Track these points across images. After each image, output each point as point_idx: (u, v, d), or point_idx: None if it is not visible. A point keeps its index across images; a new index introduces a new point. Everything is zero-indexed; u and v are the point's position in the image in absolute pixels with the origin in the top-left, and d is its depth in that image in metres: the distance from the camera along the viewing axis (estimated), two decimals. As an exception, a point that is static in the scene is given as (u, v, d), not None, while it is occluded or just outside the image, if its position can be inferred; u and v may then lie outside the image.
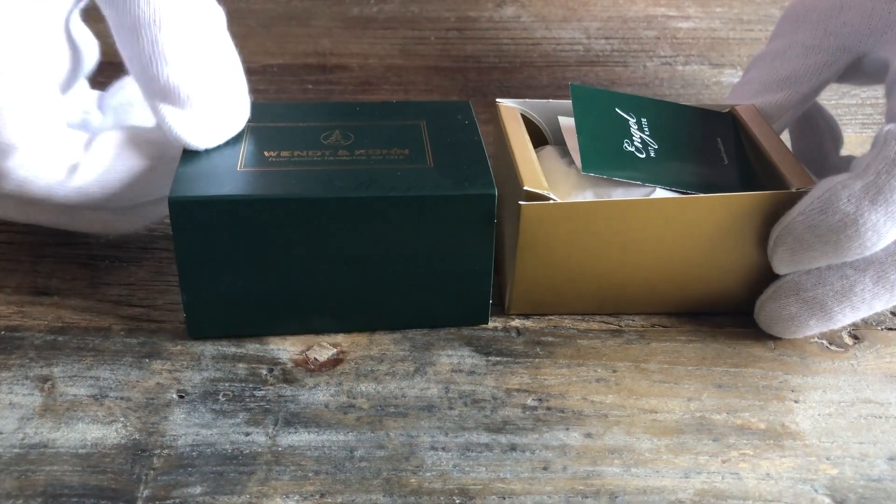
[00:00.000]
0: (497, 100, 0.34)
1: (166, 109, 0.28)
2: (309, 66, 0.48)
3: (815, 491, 0.25)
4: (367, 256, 0.29)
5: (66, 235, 0.34)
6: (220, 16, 0.30)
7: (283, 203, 0.27)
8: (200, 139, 0.29)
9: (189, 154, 0.29)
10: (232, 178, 0.28)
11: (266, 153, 0.30)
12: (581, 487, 0.25)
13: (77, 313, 0.31)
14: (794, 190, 0.28)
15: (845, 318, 0.28)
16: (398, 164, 0.29)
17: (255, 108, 0.33)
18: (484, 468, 0.25)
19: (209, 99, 0.29)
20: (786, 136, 0.36)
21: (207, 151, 0.29)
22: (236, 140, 0.30)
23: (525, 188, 0.28)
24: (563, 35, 0.53)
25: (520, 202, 0.28)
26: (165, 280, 0.32)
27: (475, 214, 0.29)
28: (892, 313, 0.32)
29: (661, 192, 0.29)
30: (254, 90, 0.47)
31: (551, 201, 0.28)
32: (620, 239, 0.29)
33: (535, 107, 0.34)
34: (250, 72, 0.49)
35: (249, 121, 0.31)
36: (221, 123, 0.29)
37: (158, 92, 0.28)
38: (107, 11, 0.29)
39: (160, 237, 0.35)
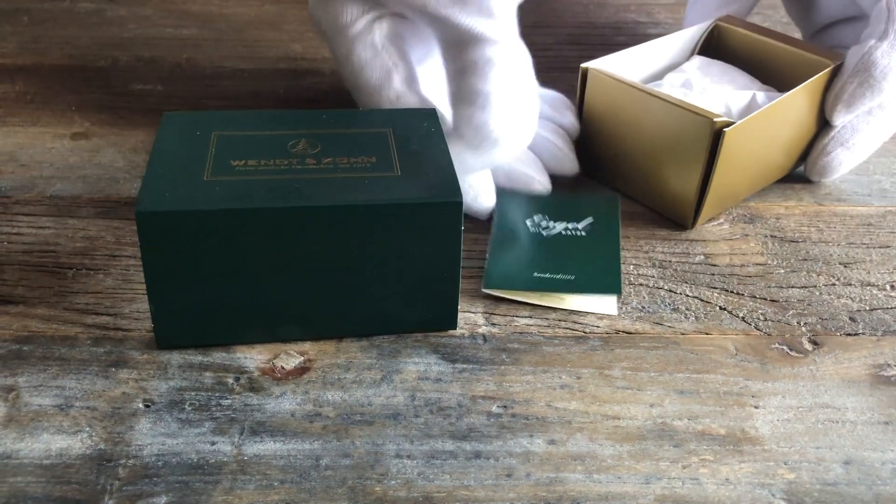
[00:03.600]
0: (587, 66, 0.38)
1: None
2: (280, 71, 0.48)
3: (773, 496, 0.26)
4: (334, 264, 0.29)
5: (32, 244, 0.34)
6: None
7: (251, 213, 0.27)
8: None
9: (156, 163, 0.29)
10: (199, 188, 0.28)
11: (233, 162, 0.30)
12: (544, 494, 0.25)
13: (43, 322, 0.31)
14: (837, 64, 0.37)
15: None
16: (365, 172, 0.30)
17: (223, 116, 0.33)
18: (448, 476, 0.26)
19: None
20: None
21: (175, 161, 0.30)
22: (203, 149, 0.30)
23: (715, 119, 0.33)
24: (534, 41, 0.53)
25: (724, 129, 0.33)
26: (132, 288, 0.32)
27: (442, 222, 0.29)
28: (851, 318, 0.32)
29: (760, 95, 0.37)
30: (224, 95, 0.48)
31: (738, 123, 0.34)
32: (776, 138, 0.37)
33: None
34: (220, 76, 0.50)
35: (216, 129, 0.32)
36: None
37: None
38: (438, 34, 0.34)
39: (127, 244, 0.34)
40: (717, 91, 0.37)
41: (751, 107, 0.37)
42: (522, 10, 0.58)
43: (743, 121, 0.34)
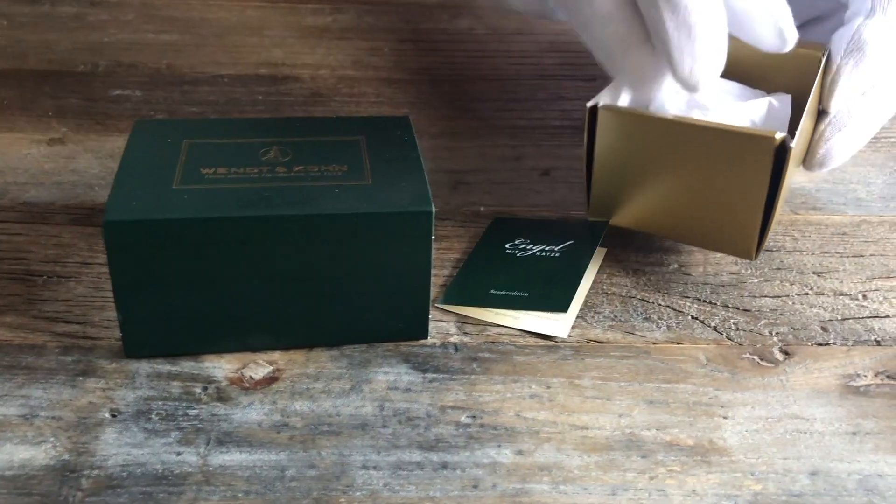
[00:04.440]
0: (600, 106, 0.33)
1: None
2: (260, 77, 0.48)
3: (739, 506, 0.26)
4: (304, 273, 0.29)
5: (3, 251, 0.34)
6: None
7: (218, 222, 0.27)
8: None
9: (125, 172, 0.29)
10: (168, 196, 0.28)
11: (203, 170, 0.29)
12: (510, 505, 0.25)
13: (11, 331, 0.30)
14: (823, 53, 0.35)
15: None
16: (336, 180, 0.29)
17: (195, 124, 0.33)
18: (414, 487, 0.26)
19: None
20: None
21: (144, 169, 0.29)
22: (173, 157, 0.30)
23: (776, 136, 0.30)
24: (516, 48, 0.53)
25: (790, 144, 0.30)
26: (103, 296, 0.32)
27: (412, 231, 0.29)
28: (823, 328, 0.32)
29: (774, 102, 0.35)
30: (202, 101, 0.48)
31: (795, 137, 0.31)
32: (802, 143, 0.34)
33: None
34: (199, 82, 0.49)
35: (187, 137, 0.31)
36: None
37: None
38: None
39: (100, 251, 0.34)
40: (734, 106, 0.35)
41: (771, 114, 0.35)
42: (505, 18, 0.59)
43: (798, 133, 0.31)
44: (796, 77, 0.36)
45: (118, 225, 0.27)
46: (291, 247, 0.28)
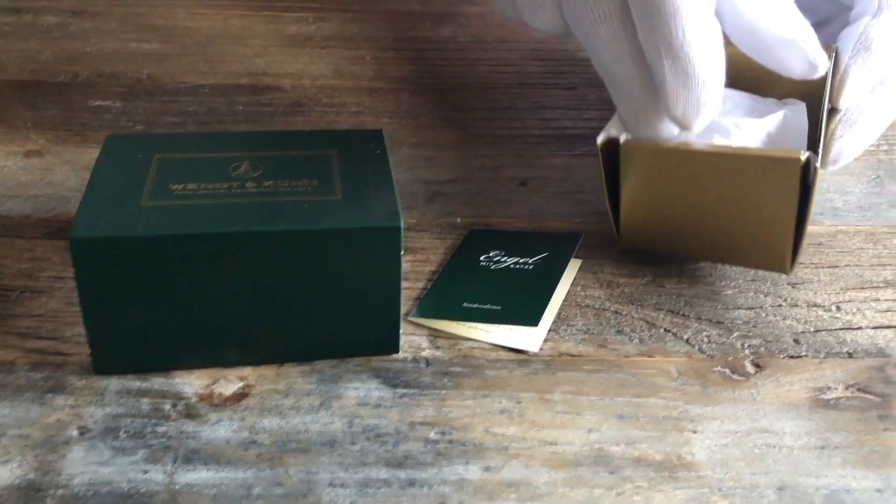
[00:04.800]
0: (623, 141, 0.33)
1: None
2: (241, 87, 0.48)
3: (706, 522, 0.26)
4: (274, 289, 0.29)
5: (-23, 265, 0.34)
6: None
7: (185, 239, 0.27)
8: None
9: (94, 187, 0.29)
10: (135, 213, 0.28)
11: (172, 186, 0.29)
12: (476, 522, 0.25)
13: (-19, 347, 0.30)
14: (830, 56, 0.34)
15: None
16: (305, 195, 0.29)
17: (166, 138, 0.33)
18: (380, 504, 0.26)
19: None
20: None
21: (113, 185, 0.29)
22: (143, 172, 0.30)
23: (801, 157, 0.30)
24: (498, 56, 0.53)
25: (815, 164, 0.31)
26: (76, 311, 0.32)
27: (381, 246, 0.29)
28: (795, 340, 0.32)
29: (789, 114, 0.35)
30: (182, 112, 0.48)
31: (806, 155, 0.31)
32: None
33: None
34: (180, 92, 0.49)
35: (158, 152, 0.31)
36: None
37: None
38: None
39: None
40: (750, 124, 0.35)
41: (786, 127, 0.35)
42: (489, 26, 0.59)
43: (821, 148, 0.32)
44: (806, 81, 0.35)
45: (85, 242, 0.27)
46: (259, 263, 0.28)
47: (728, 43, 0.33)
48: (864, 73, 0.35)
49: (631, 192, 0.34)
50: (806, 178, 0.31)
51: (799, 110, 0.35)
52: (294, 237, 0.28)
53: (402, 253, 0.29)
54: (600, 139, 0.33)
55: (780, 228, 0.32)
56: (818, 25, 0.40)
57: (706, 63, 0.30)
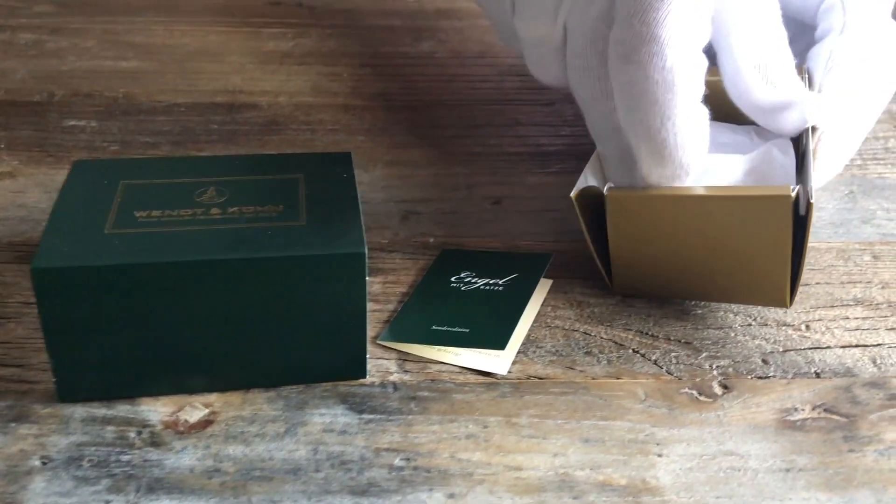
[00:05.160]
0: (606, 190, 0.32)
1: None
2: (217, 105, 0.48)
3: (669, 548, 0.26)
4: (238, 316, 0.29)
5: (-55, 291, 0.34)
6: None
7: (147, 269, 0.27)
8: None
9: (57, 216, 0.29)
10: (99, 242, 0.28)
11: (136, 213, 0.29)
12: (438, 551, 0.25)
13: (-53, 375, 0.30)
14: (803, 76, 0.35)
15: None
16: (270, 221, 0.29)
17: (133, 164, 0.33)
18: (343, 533, 0.26)
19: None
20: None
21: (78, 212, 0.29)
22: (108, 199, 0.30)
23: (791, 193, 0.30)
24: (476, 72, 0.53)
25: (811, 199, 0.30)
26: (42, 338, 0.32)
27: (345, 272, 0.29)
28: (764, 360, 0.32)
29: (776, 149, 0.34)
30: (157, 131, 0.48)
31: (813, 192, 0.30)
32: None
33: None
34: (155, 111, 0.49)
35: (125, 178, 0.31)
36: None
37: None
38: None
39: (44, 291, 0.34)
40: (736, 160, 0.34)
41: (772, 161, 0.34)
42: (468, 41, 0.59)
43: (812, 186, 0.30)
44: None
45: (46, 272, 0.27)
46: (222, 290, 0.28)
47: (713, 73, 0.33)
48: (837, 90, 0.35)
49: (620, 240, 0.33)
50: (797, 212, 0.31)
51: (785, 143, 0.35)
52: (256, 265, 0.28)
53: (367, 279, 0.29)
54: (574, 193, 0.32)
55: (776, 265, 0.32)
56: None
57: (683, 149, 0.30)
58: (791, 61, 0.33)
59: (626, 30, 0.29)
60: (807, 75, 0.36)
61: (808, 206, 0.30)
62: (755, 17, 0.32)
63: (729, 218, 0.31)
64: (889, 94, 0.37)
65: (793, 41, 0.39)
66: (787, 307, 0.33)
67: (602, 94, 0.32)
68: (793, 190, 0.30)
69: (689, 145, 0.30)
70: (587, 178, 0.33)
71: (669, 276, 0.34)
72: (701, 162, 0.31)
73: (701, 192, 0.31)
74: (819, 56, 0.36)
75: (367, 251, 0.28)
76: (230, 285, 0.28)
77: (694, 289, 0.34)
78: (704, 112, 0.31)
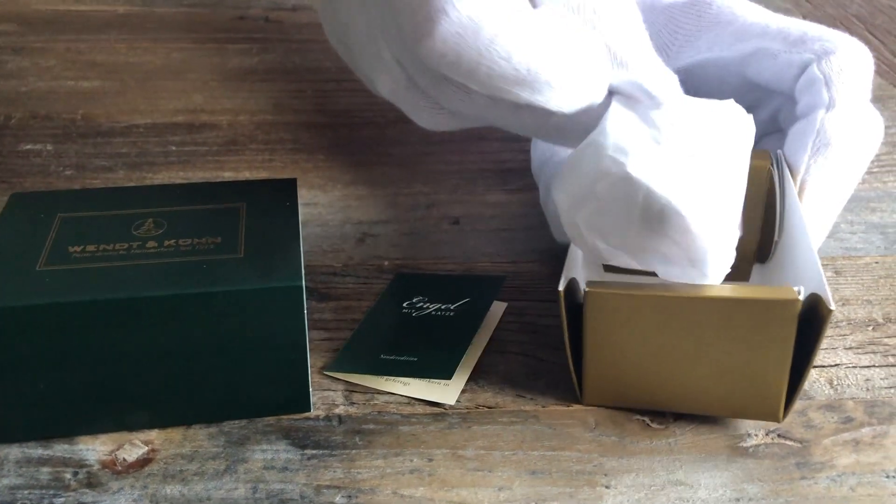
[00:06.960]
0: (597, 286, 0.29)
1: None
2: (176, 126, 0.48)
3: (612, 586, 0.25)
4: (175, 351, 0.28)
5: None
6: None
7: (77, 307, 0.27)
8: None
9: (-11, 252, 0.28)
10: (30, 279, 0.27)
11: (71, 248, 0.29)
12: None
13: None
14: (772, 163, 0.32)
15: None
16: (206, 254, 0.29)
17: (72, 196, 0.32)
18: (277, 577, 0.25)
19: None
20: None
21: (11, 248, 0.29)
22: (43, 234, 0.30)
23: (799, 297, 0.27)
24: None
25: (830, 307, 0.26)
26: (-16, 374, 0.31)
27: (283, 306, 0.28)
28: (719, 384, 0.32)
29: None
30: (113, 154, 0.47)
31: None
32: None
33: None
34: (113, 133, 0.49)
35: (62, 211, 0.31)
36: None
37: None
38: None
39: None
40: (699, 103, 0.29)
41: (734, 123, 0.29)
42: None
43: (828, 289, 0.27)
44: (752, 185, 0.31)
45: (-27, 313, 0.26)
46: (157, 326, 0.27)
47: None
48: (825, 170, 0.33)
49: (597, 343, 0.29)
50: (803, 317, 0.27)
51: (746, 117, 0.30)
52: (188, 301, 0.27)
53: (305, 312, 0.28)
54: (561, 286, 0.28)
55: (772, 375, 0.28)
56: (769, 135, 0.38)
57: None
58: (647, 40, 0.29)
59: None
60: (777, 159, 0.33)
61: (827, 312, 0.26)
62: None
63: (725, 321, 0.28)
64: (859, 175, 0.34)
65: (754, 109, 0.37)
66: (778, 422, 0.30)
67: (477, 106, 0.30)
68: (801, 294, 0.27)
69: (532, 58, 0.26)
70: (570, 271, 0.29)
71: (648, 386, 0.30)
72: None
73: (695, 292, 0.28)
74: (804, 134, 0.33)
75: (304, 284, 0.28)
76: (164, 321, 0.27)
77: (674, 401, 0.30)
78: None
